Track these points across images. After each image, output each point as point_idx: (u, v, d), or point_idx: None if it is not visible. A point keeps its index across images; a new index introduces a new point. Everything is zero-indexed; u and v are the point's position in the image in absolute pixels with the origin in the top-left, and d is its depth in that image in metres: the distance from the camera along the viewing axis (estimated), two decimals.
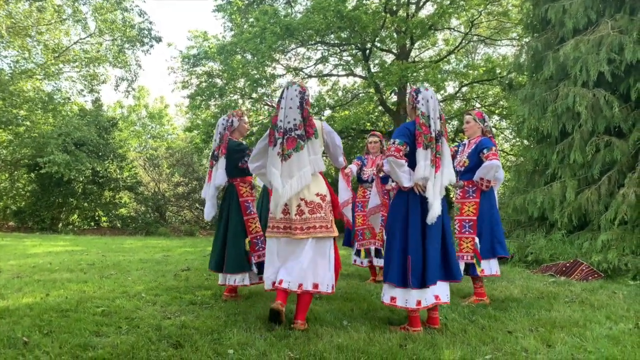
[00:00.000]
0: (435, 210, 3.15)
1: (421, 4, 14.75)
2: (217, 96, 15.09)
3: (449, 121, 14.74)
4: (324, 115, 16.23)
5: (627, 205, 5.93)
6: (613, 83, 6.78)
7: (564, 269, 5.86)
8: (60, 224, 16.03)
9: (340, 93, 17.08)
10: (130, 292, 4.32)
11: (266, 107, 16.79)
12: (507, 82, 11.44)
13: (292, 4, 15.97)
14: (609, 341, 3.02)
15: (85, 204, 16.79)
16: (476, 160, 4.22)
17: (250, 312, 3.63)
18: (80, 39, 17.57)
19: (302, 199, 3.30)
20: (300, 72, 15.62)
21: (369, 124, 15.99)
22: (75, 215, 17.12)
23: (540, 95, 7.63)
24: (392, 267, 3.24)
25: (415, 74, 13.19)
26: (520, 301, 4.22)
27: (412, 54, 15.69)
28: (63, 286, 4.59)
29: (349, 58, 15.51)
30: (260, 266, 4.06)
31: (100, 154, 16.22)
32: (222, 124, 4.21)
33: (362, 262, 5.39)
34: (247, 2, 15.56)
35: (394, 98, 15.30)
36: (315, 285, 3.26)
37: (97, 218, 17.43)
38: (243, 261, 4.06)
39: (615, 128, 6.78)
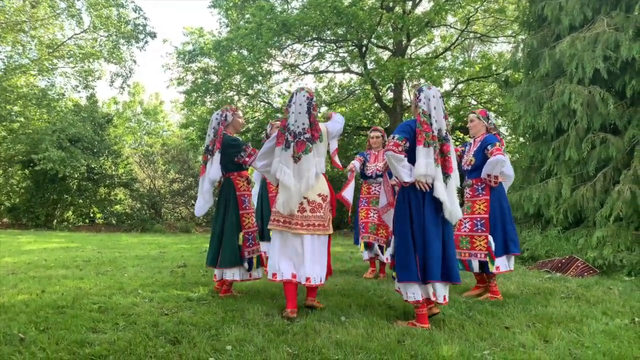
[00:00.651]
0: (455, 213, 3.22)
1: (418, 0, 14.73)
2: (212, 92, 15.02)
3: None
4: (320, 112, 16.21)
5: (622, 201, 5.96)
6: (609, 80, 6.80)
7: (559, 265, 5.89)
8: (55, 221, 15.93)
9: (336, 90, 17.06)
10: (126, 288, 4.31)
11: (262, 103, 16.75)
12: (503, 79, 11.47)
13: (289, 0, 15.91)
14: (606, 336, 3.04)
15: (80, 201, 16.70)
16: (482, 158, 4.22)
17: (248, 308, 3.62)
18: (75, 34, 17.46)
19: (305, 198, 3.54)
20: (297, 69, 15.58)
21: (365, 121, 15.98)
22: (70, 212, 17.03)
23: (536, 92, 7.65)
24: (410, 265, 3.22)
25: (411, 71, 13.18)
26: (517, 297, 4.25)
27: (409, 50, 15.68)
28: (59, 283, 4.57)
29: (345, 54, 15.47)
30: (250, 262, 4.09)
31: (95, 150, 16.12)
32: (216, 118, 4.20)
33: (366, 255, 5.34)
34: None
35: (390, 95, 15.29)
36: (308, 279, 3.51)
37: (92, 215, 17.34)
38: (236, 255, 4.06)
39: (611, 125, 6.81)
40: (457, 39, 15.58)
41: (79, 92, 18.43)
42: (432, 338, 2.95)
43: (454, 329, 3.18)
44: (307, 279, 3.49)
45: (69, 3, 16.37)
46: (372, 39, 14.12)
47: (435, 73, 12.99)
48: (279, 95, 16.91)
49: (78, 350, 2.65)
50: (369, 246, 5.29)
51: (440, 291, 3.29)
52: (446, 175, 3.28)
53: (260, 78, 14.58)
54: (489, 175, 4.19)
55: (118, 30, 16.99)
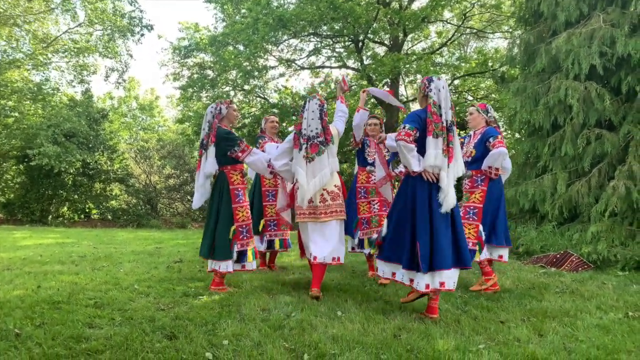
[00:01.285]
0: (450, 199, 3.23)
1: None
2: (208, 88, 14.97)
3: None
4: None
5: (616, 197, 5.99)
6: (604, 76, 6.82)
7: (554, 260, 5.93)
8: (50, 217, 15.86)
9: (332, 85, 17.02)
10: (122, 283, 4.30)
11: (258, 99, 16.69)
12: (499, 74, 11.48)
13: None
14: (600, 330, 3.07)
15: (76, 196, 16.62)
16: (482, 150, 4.28)
17: (245, 303, 3.63)
18: (70, 28, 17.30)
19: (324, 189, 4.07)
20: (293, 64, 15.53)
21: None
22: (66, 208, 16.95)
23: (532, 88, 7.66)
24: (402, 251, 3.30)
25: (407, 66, 13.17)
26: (512, 292, 4.27)
27: (405, 46, 15.66)
28: (54, 278, 4.56)
29: (342, 50, 15.44)
30: (241, 255, 4.13)
31: (90, 145, 16.03)
32: (210, 112, 4.20)
33: (367, 252, 5.05)
34: None
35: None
36: (338, 258, 4.06)
37: (87, 210, 17.26)
38: (228, 248, 4.09)
39: (606, 121, 6.84)
40: (453, 35, 15.57)
41: (74, 86, 18.32)
42: (428, 332, 2.97)
43: (450, 324, 3.20)
44: (337, 259, 4.03)
45: None
46: (369, 35, 14.10)
47: (431, 69, 13.00)
48: (275, 91, 16.87)
49: (74, 346, 2.65)
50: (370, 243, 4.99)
51: (451, 278, 3.31)
52: (448, 165, 3.31)
53: (256, 73, 14.54)
54: (490, 167, 4.24)
55: (113, 24, 16.86)
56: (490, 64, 13.97)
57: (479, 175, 4.34)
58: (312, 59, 15.93)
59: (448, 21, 15.67)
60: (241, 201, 4.20)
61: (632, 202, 5.89)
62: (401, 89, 16.59)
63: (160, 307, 3.49)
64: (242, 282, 4.49)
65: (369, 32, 13.81)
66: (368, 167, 5.05)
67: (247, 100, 16.56)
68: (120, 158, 18.00)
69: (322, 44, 15.23)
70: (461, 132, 15.22)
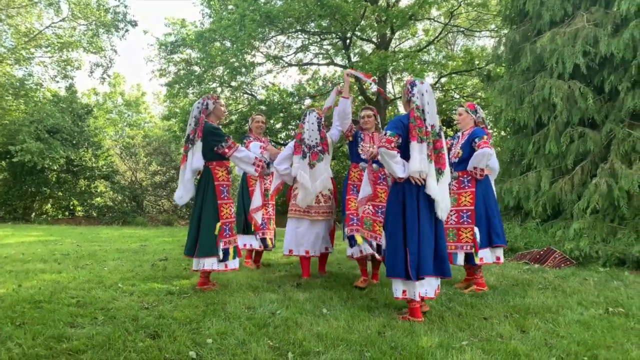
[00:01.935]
0: (443, 208, 3.24)
1: None
2: (195, 84, 14.85)
3: None
4: (304, 105, 16.16)
5: (599, 194, 6.09)
6: (588, 75, 6.91)
7: (537, 256, 6.01)
8: (34, 214, 15.63)
9: (320, 82, 17.01)
10: (106, 282, 4.25)
11: (245, 95, 16.60)
12: (485, 73, 11.56)
13: None
14: (580, 326, 3.12)
15: (60, 193, 16.39)
16: (469, 151, 4.28)
17: (230, 301, 3.62)
18: (53, 22, 17.01)
19: (320, 193, 4.65)
20: (280, 61, 15.48)
21: None
22: (49, 205, 16.71)
23: (518, 86, 7.73)
24: (397, 261, 3.26)
25: (394, 64, 13.21)
26: (496, 288, 4.32)
27: (392, 43, 15.70)
28: (36, 277, 4.49)
29: (329, 47, 15.42)
30: (226, 253, 4.10)
31: (74, 142, 15.81)
32: (197, 107, 4.16)
33: (361, 250, 4.24)
34: None
35: (374, 88, 15.28)
36: (326, 248, 4.82)
37: (71, 207, 17.04)
38: (213, 245, 4.05)
39: (589, 119, 6.93)
40: (440, 33, 15.65)
41: (58, 82, 17.98)
42: (412, 329, 2.99)
43: (434, 320, 3.22)
44: (326, 249, 4.81)
45: None
46: (356, 32, 14.10)
47: (418, 67, 13.05)
48: (262, 87, 16.80)
49: (55, 346, 2.61)
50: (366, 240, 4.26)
51: (434, 284, 3.32)
52: (439, 171, 3.29)
53: (243, 70, 14.45)
54: (475, 168, 4.24)
55: (97, 19, 16.61)
56: (476, 62, 14.07)
57: (465, 176, 4.33)
58: (300, 55, 15.90)
59: (435, 19, 15.75)
60: (226, 198, 4.17)
61: (614, 199, 5.99)
62: (389, 87, 16.64)
63: (144, 306, 3.46)
64: (227, 280, 4.47)
65: (357, 29, 13.81)
66: (361, 164, 4.60)
67: (234, 97, 16.46)
68: (106, 155, 17.78)
69: (310, 41, 15.20)
70: (447, 129, 15.35)
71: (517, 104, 7.65)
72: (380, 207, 4.23)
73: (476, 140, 4.22)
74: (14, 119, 14.94)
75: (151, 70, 23.59)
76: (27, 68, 17.13)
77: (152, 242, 8.27)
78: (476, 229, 4.23)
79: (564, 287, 4.37)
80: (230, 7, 14.21)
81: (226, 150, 4.08)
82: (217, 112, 4.26)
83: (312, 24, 13.79)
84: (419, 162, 3.17)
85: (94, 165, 16.81)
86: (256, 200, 4.43)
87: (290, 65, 15.81)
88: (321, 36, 14.88)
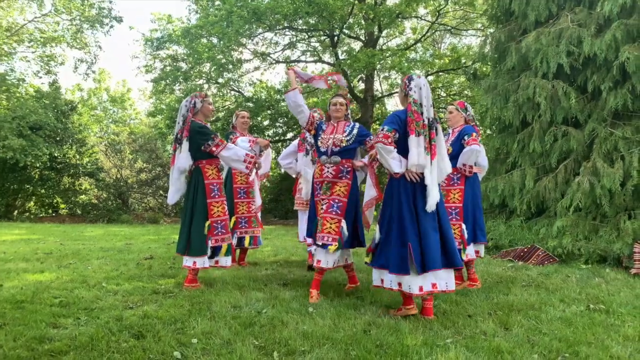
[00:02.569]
0: (433, 197, 3.21)
1: None
2: (181, 80, 14.71)
3: None
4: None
5: (581, 193, 6.18)
6: (571, 75, 7.00)
7: (521, 254, 6.09)
8: (16, 212, 15.36)
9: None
10: (90, 281, 4.20)
11: (232, 92, 16.50)
12: (471, 71, 11.62)
13: None
14: (562, 323, 3.17)
15: (43, 191, 16.12)
16: (459, 148, 4.32)
17: (215, 300, 3.60)
18: (36, 17, 16.73)
19: None
20: (268, 58, 15.41)
21: None
22: (32, 203, 16.43)
23: (503, 85, 7.81)
24: (391, 257, 3.26)
25: (382, 62, 13.24)
26: (480, 286, 4.36)
27: (380, 41, 15.74)
28: (18, 276, 4.42)
29: (317, 44, 15.40)
30: (215, 250, 4.10)
31: (58, 138, 15.55)
32: (185, 106, 4.14)
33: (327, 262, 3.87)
34: None
35: (362, 86, 15.32)
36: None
37: (55, 205, 16.77)
38: (203, 244, 4.06)
39: (572, 119, 7.03)
40: (427, 31, 15.72)
41: (41, 77, 17.76)
42: (397, 327, 3.01)
43: (419, 318, 3.24)
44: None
45: None
46: (344, 29, 14.10)
47: (405, 65, 13.09)
48: (250, 84, 16.71)
49: (37, 347, 2.58)
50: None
51: (444, 278, 3.30)
52: (431, 162, 3.28)
53: (230, 66, 14.36)
54: (464, 165, 4.29)
55: (82, 14, 16.36)
56: (463, 60, 14.17)
57: (455, 173, 4.37)
58: (288, 52, 15.86)
59: (422, 17, 15.82)
60: (216, 196, 4.16)
61: (596, 197, 6.09)
62: (376, 84, 16.68)
63: (129, 306, 3.43)
64: (214, 279, 4.45)
65: (344, 27, 13.81)
66: (322, 157, 4.03)
67: (221, 94, 16.35)
68: (90, 152, 17.53)
69: (298, 38, 15.16)
70: None
71: (503, 102, 7.72)
72: (335, 200, 3.89)
73: (465, 137, 4.28)
74: None
75: (137, 66, 23.29)
76: (8, 63, 16.83)
77: (137, 241, 8.19)
78: (464, 226, 4.28)
79: (546, 284, 4.44)
80: (217, 3, 14.09)
81: (214, 149, 4.06)
82: (204, 110, 4.23)
83: (300, 21, 13.75)
84: (417, 156, 3.19)
85: (78, 162, 16.56)
86: (257, 200, 5.21)
87: (277, 62, 15.75)
88: (309, 33, 14.85)
